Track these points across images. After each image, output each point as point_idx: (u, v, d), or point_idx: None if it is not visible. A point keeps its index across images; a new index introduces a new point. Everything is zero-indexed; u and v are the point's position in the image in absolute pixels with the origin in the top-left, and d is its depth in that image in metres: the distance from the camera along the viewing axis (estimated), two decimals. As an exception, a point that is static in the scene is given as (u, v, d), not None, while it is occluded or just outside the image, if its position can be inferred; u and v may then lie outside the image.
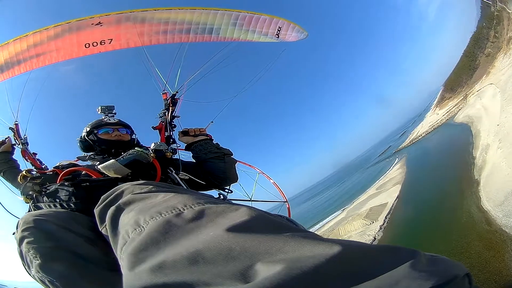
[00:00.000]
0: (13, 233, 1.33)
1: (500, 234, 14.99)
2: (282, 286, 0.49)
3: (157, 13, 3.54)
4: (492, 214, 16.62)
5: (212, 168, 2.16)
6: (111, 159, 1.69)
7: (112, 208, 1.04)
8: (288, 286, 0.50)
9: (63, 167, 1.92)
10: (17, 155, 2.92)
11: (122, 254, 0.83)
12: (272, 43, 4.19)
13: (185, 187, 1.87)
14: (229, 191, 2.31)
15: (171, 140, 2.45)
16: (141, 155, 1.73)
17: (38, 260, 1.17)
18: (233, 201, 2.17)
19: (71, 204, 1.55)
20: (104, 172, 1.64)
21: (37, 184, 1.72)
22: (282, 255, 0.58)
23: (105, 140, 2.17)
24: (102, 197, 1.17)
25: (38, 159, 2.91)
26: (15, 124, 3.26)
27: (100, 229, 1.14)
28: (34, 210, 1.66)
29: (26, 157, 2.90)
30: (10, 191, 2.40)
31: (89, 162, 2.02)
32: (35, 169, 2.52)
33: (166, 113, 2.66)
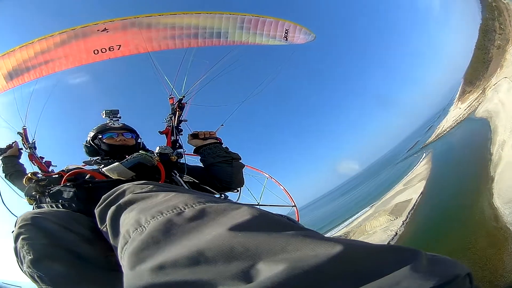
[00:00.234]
0: (12, 231, 1.32)
1: (504, 231, 14.68)
2: (284, 286, 0.49)
3: (161, 18, 3.59)
4: (501, 211, 16.24)
5: (218, 172, 2.15)
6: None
7: (113, 208, 1.05)
8: (290, 286, 0.50)
9: (68, 170, 1.93)
10: (25, 159, 2.97)
11: (123, 253, 0.83)
12: (282, 46, 4.21)
13: (187, 188, 1.86)
14: (237, 192, 2.31)
15: (177, 144, 2.46)
16: (146, 158, 1.73)
17: (30, 255, 1.16)
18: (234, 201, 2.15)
19: (73, 205, 1.55)
20: (108, 174, 1.65)
21: (41, 186, 1.72)
22: (284, 254, 0.58)
23: (110, 144, 2.18)
24: (103, 197, 1.18)
25: (45, 162, 2.96)
26: (23, 128, 3.34)
27: (100, 229, 1.13)
28: None
29: (33, 161, 2.95)
30: (15, 193, 2.43)
31: (95, 166, 2.03)
32: (40, 172, 2.54)
33: (173, 118, 2.66)
